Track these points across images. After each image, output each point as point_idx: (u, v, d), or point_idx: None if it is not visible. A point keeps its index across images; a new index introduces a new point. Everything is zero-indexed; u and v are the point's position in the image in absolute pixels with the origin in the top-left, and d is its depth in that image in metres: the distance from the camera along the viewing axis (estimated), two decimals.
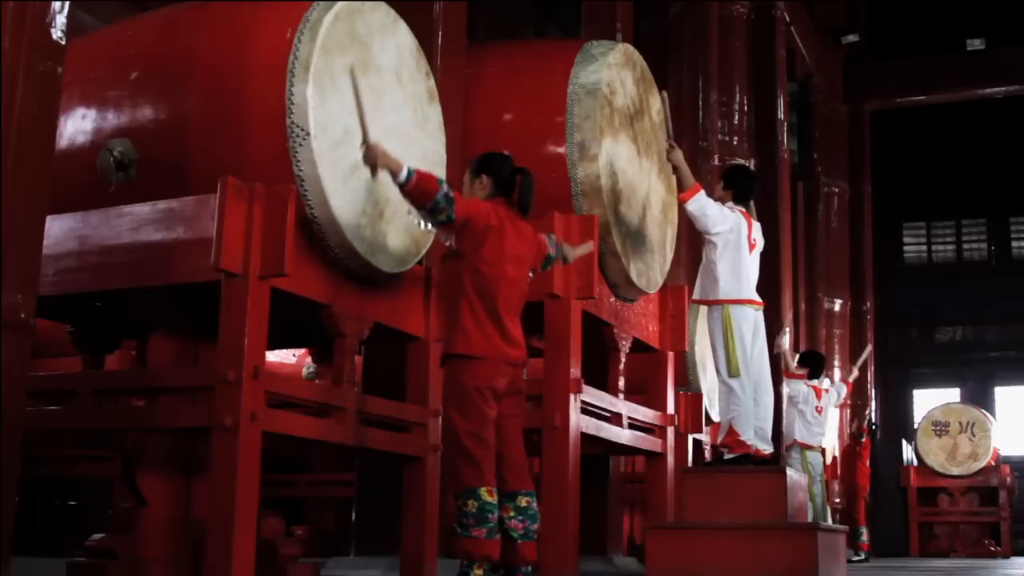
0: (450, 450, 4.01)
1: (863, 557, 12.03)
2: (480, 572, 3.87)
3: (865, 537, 12.25)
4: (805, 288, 16.51)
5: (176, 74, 4.22)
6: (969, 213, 23.21)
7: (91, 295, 4.27)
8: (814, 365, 9.81)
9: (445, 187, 3.90)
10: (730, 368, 5.63)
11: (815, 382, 9.63)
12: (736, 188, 5.95)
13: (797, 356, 10.07)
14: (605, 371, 6.17)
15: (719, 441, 5.84)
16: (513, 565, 4.02)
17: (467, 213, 3.96)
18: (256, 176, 3.82)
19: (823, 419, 9.68)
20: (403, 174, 3.85)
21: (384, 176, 4.15)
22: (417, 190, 3.87)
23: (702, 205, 5.63)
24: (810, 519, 8.72)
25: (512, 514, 4.01)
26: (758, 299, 5.85)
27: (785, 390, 9.56)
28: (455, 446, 3.95)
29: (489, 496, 3.89)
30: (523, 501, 4.03)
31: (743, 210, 5.88)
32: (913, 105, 20.18)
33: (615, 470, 7.54)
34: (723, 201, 5.94)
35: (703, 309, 6.95)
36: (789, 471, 5.63)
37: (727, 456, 5.71)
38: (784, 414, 9.69)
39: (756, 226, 5.93)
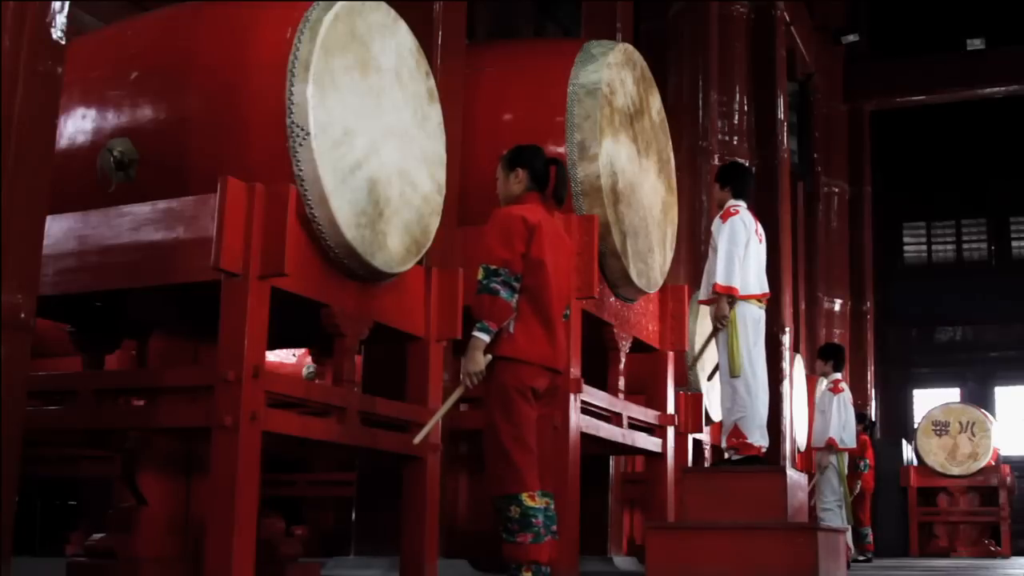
0: (490, 452, 3.94)
1: (867, 558, 12.03)
2: (529, 575, 3.87)
3: (871, 538, 12.25)
4: (805, 288, 16.49)
5: (176, 74, 4.22)
6: (969, 213, 23.21)
7: (91, 295, 4.26)
8: (837, 357, 9.86)
9: (503, 294, 3.88)
10: (732, 368, 5.62)
11: (838, 375, 9.68)
12: (734, 185, 5.98)
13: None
14: (605, 371, 6.17)
15: (724, 443, 5.82)
16: None
17: (519, 249, 3.94)
18: (256, 176, 3.81)
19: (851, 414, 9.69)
20: (489, 335, 3.87)
21: (384, 176, 4.15)
22: (503, 319, 3.89)
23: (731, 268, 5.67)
24: (844, 523, 8.85)
25: None
26: (767, 289, 5.89)
27: (818, 390, 9.62)
28: (496, 449, 3.91)
29: (531, 501, 3.86)
30: (544, 501, 3.99)
31: (746, 205, 5.92)
32: (913, 105, 20.15)
33: (615, 470, 7.54)
34: (723, 201, 5.96)
35: (703, 308, 6.96)
36: (789, 471, 5.63)
37: (734, 458, 5.70)
38: (817, 415, 9.74)
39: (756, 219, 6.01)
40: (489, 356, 3.90)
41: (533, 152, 4.26)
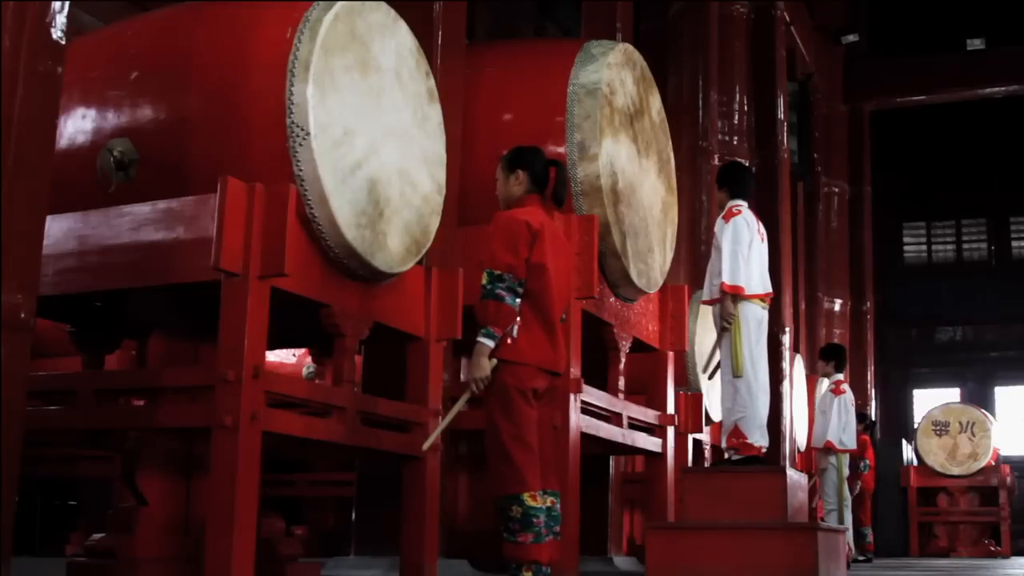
0: (492, 453, 3.96)
1: (867, 558, 12.04)
2: (529, 575, 3.87)
3: (871, 538, 12.27)
4: (805, 288, 16.49)
5: (176, 74, 4.22)
6: (969, 213, 23.20)
7: (91, 295, 4.27)
8: (839, 358, 9.88)
9: (507, 300, 3.87)
10: (735, 368, 5.62)
11: (840, 376, 9.72)
12: (733, 185, 5.98)
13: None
14: (605, 371, 6.17)
15: (724, 443, 5.82)
16: None
17: (524, 254, 3.95)
18: (256, 176, 3.81)
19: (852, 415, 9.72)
20: (495, 340, 3.87)
21: (384, 176, 4.15)
22: (507, 325, 3.89)
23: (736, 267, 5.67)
24: (841, 523, 8.89)
25: None
26: (770, 289, 5.89)
27: (819, 391, 9.67)
28: (497, 449, 3.92)
29: (532, 500, 3.86)
30: (548, 501, 4.00)
31: (747, 205, 5.92)
32: (913, 105, 20.14)
33: (615, 470, 7.54)
34: (723, 202, 5.96)
35: (704, 308, 6.96)
36: (789, 471, 5.62)
37: (735, 458, 5.70)
38: (818, 415, 9.77)
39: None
40: (494, 361, 3.91)
41: (533, 153, 4.26)
